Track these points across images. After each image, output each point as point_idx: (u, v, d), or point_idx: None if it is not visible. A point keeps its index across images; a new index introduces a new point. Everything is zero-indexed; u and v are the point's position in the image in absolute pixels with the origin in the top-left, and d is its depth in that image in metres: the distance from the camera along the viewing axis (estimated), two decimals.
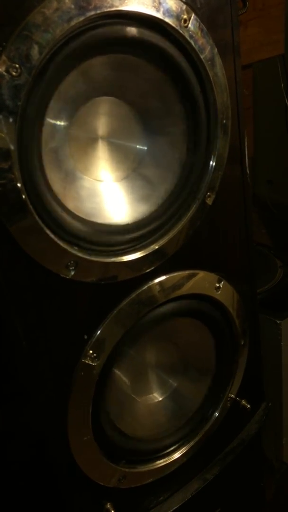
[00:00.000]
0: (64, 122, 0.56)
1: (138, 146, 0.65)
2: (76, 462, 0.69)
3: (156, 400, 0.81)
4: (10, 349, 0.62)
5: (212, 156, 0.68)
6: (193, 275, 0.73)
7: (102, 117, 0.60)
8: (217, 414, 0.86)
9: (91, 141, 0.61)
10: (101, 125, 0.61)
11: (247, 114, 1.50)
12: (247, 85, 1.46)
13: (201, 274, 0.74)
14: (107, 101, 0.60)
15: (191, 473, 0.89)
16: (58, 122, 0.56)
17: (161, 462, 0.81)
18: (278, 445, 1.38)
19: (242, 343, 0.87)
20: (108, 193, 0.63)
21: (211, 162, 0.68)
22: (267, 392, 1.03)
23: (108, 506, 0.75)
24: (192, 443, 0.84)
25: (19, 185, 0.50)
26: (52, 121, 0.55)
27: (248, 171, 0.77)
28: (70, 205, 0.58)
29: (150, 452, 0.79)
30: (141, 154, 0.65)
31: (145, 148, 0.65)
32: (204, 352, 0.83)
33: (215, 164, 0.68)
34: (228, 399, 0.88)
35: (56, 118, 0.55)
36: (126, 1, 0.53)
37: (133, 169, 0.65)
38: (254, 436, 0.98)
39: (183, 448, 0.83)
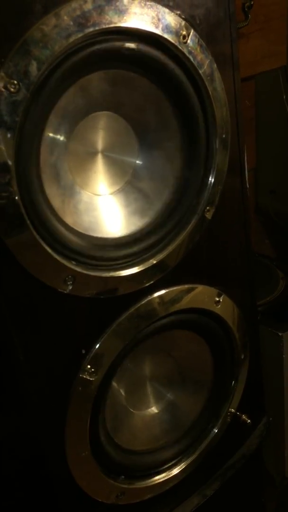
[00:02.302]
0: (63, 137, 0.56)
1: (134, 160, 0.65)
2: (74, 478, 0.68)
3: (155, 415, 0.80)
4: (8, 362, 0.62)
5: (212, 170, 0.67)
6: (192, 289, 0.73)
7: (100, 132, 0.61)
8: (216, 429, 0.85)
9: (89, 155, 0.61)
10: (99, 139, 0.61)
11: (250, 125, 1.51)
12: (249, 96, 1.47)
13: (200, 288, 0.74)
14: (104, 115, 0.60)
15: (191, 488, 0.88)
16: (57, 137, 0.56)
17: (160, 478, 0.80)
18: (280, 459, 1.36)
19: (242, 357, 0.86)
20: (105, 207, 0.63)
21: (210, 177, 0.68)
22: (268, 406, 1.02)
23: None
24: (191, 458, 0.83)
25: (17, 198, 0.50)
26: (51, 136, 0.55)
27: (248, 185, 0.77)
28: (69, 219, 0.58)
29: (149, 467, 0.78)
30: (137, 167, 0.65)
31: (141, 161, 0.65)
32: (203, 366, 0.82)
33: (214, 179, 0.68)
34: (228, 413, 0.87)
35: (55, 133, 0.55)
36: (125, 18, 0.53)
37: (129, 182, 0.65)
38: (255, 451, 0.96)
39: (182, 464, 0.82)
